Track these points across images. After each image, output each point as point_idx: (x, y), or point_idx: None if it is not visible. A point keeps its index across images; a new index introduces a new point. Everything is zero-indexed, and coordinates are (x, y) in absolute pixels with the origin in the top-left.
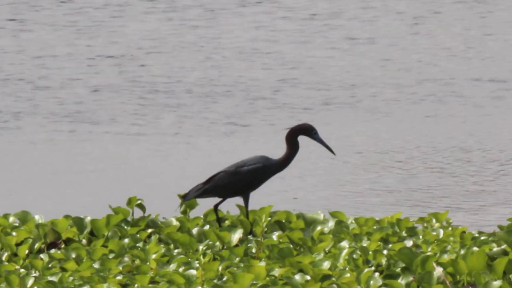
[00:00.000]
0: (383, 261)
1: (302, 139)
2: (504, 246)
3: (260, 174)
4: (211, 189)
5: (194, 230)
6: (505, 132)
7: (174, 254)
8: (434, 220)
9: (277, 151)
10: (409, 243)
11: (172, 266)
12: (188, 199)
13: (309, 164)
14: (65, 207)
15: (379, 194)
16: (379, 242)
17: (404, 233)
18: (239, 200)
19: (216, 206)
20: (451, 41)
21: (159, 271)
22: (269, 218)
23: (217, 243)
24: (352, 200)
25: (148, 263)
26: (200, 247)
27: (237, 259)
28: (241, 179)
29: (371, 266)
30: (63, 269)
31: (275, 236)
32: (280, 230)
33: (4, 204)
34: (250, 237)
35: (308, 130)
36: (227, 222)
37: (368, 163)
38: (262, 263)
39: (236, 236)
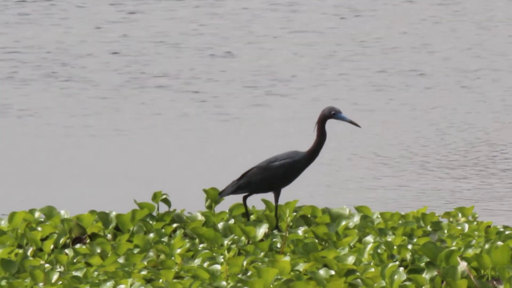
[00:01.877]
0: (408, 256)
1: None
2: None
3: (290, 169)
4: (245, 185)
5: (220, 225)
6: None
7: (199, 249)
8: (460, 215)
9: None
10: (434, 237)
11: (197, 261)
12: (224, 195)
13: (331, 159)
14: (91, 202)
15: (406, 189)
16: (403, 237)
17: (429, 228)
18: (265, 194)
19: (245, 198)
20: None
21: (184, 266)
22: (294, 213)
23: (243, 237)
24: (378, 195)
25: (173, 258)
26: (225, 242)
27: (262, 254)
28: (273, 175)
29: (395, 261)
30: (88, 264)
31: (300, 231)
32: (306, 225)
33: (30, 199)
34: (275, 231)
35: (328, 114)
36: (252, 217)
37: (390, 157)
38: (287, 258)
39: (262, 231)
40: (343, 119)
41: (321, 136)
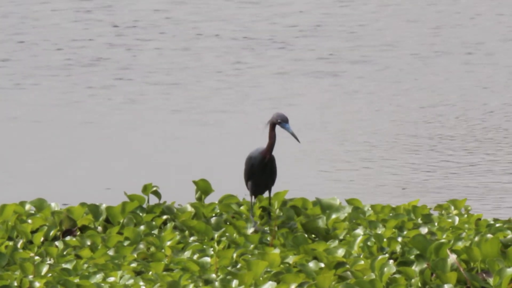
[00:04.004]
0: (398, 248)
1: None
2: None
3: (248, 164)
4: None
5: (212, 220)
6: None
7: (189, 241)
8: (452, 207)
9: None
10: (424, 230)
11: (187, 254)
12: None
13: (321, 151)
14: (81, 194)
15: (400, 181)
16: (394, 229)
17: (419, 220)
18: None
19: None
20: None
21: (174, 258)
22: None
23: (234, 234)
24: (369, 187)
25: (163, 250)
26: (216, 235)
27: (252, 246)
28: (244, 169)
29: (385, 253)
30: (78, 257)
31: (290, 224)
32: (296, 215)
33: (20, 192)
34: (263, 227)
35: (275, 120)
36: (242, 209)
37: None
38: (277, 251)
39: (253, 228)
40: (287, 129)
41: (270, 139)
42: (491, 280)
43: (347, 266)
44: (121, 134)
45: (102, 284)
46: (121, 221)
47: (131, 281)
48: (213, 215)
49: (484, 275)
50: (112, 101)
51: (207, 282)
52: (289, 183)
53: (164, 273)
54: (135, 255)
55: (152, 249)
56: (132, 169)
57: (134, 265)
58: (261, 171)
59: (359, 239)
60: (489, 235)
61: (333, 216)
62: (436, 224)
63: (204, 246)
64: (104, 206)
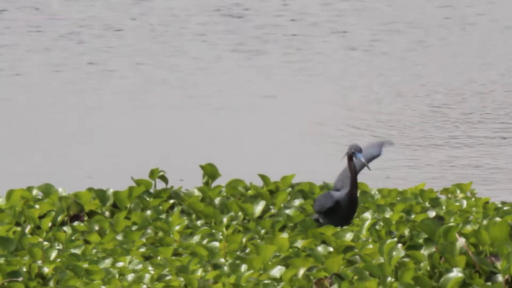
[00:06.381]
0: (406, 232)
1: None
2: None
3: (335, 207)
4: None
5: (216, 201)
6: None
7: (198, 225)
8: (458, 191)
9: None
10: (432, 214)
11: (196, 238)
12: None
13: (326, 137)
14: (88, 179)
15: (410, 166)
16: (402, 213)
17: (427, 204)
18: (261, 169)
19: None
20: None
21: (182, 243)
22: (290, 189)
23: (240, 213)
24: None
25: (171, 235)
26: (224, 220)
27: (263, 231)
28: (317, 204)
29: (393, 237)
30: (86, 242)
31: (297, 202)
32: (303, 199)
33: (28, 177)
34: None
35: (350, 152)
36: (249, 192)
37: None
38: (285, 235)
39: (259, 208)
40: (358, 158)
41: (351, 171)
42: (499, 264)
43: (356, 250)
44: (117, 119)
45: (111, 269)
46: (128, 206)
47: (140, 266)
48: (219, 197)
49: (492, 258)
50: (105, 89)
51: (216, 266)
52: (296, 167)
53: (173, 257)
54: (144, 240)
55: (160, 234)
56: (137, 154)
57: (142, 250)
58: (347, 207)
59: (368, 223)
60: (498, 219)
61: None
62: (444, 207)
63: (213, 231)
64: (111, 191)
